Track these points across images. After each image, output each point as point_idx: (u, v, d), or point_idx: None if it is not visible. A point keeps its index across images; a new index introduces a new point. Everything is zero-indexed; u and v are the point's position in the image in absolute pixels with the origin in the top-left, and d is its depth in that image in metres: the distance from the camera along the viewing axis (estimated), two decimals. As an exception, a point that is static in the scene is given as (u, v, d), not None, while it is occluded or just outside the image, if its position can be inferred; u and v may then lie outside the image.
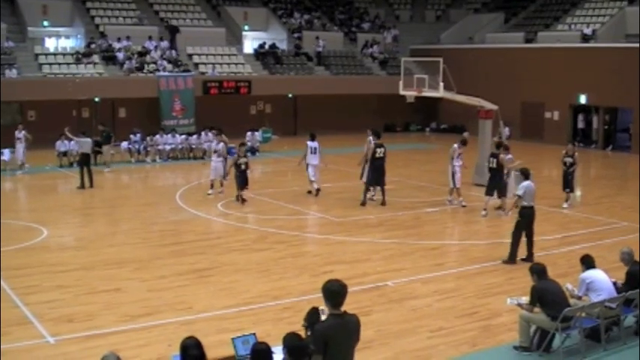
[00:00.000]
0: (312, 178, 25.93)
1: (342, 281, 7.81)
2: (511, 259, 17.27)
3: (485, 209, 22.86)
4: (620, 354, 11.91)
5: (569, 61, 41.22)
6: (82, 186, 27.52)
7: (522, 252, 17.37)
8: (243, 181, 24.68)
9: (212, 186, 26.11)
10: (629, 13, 43.03)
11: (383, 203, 24.23)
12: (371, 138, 24.69)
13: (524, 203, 17.25)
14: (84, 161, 27.96)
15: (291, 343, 7.90)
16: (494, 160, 22.82)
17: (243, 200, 24.58)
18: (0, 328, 12.58)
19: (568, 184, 24.09)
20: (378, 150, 24.18)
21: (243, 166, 24.52)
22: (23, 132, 31.73)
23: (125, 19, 45.89)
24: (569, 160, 23.97)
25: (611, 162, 37.88)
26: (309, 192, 26.01)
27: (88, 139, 28.74)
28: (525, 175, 17.74)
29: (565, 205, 23.86)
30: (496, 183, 22.83)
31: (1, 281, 15.55)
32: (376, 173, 24.14)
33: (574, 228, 20.96)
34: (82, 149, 28.38)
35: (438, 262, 17.61)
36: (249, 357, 8.96)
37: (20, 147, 31.57)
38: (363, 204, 24.19)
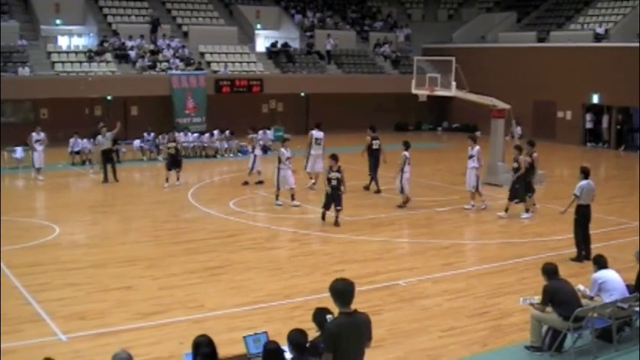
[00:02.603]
0: (259, 169, 27.68)
1: (348, 279, 7.81)
2: (578, 257, 17.38)
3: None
4: (632, 354, 11.86)
5: (581, 61, 41.08)
6: (106, 180, 28.32)
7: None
8: (336, 200, 21.08)
9: (292, 196, 23.87)
10: (641, 12, 42.90)
11: (366, 187, 26.48)
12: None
13: (581, 202, 17.47)
14: (106, 157, 28.61)
15: (295, 339, 8.19)
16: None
17: (324, 218, 21.45)
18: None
19: (513, 192, 22.63)
20: (374, 142, 26.51)
21: (334, 182, 21.05)
22: (42, 133, 29.72)
23: (137, 17, 45.97)
24: (514, 165, 22.74)
25: (624, 162, 37.71)
26: (246, 183, 27.61)
27: (108, 134, 28.97)
28: (585, 174, 17.68)
29: (524, 216, 22.55)
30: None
31: (0, 278, 15.69)
32: (375, 161, 26.27)
33: (586, 228, 20.88)
34: (104, 146, 28.68)
35: (449, 261, 17.59)
36: (261, 355, 9.02)
37: (41, 150, 29.30)
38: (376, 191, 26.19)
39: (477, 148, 23.64)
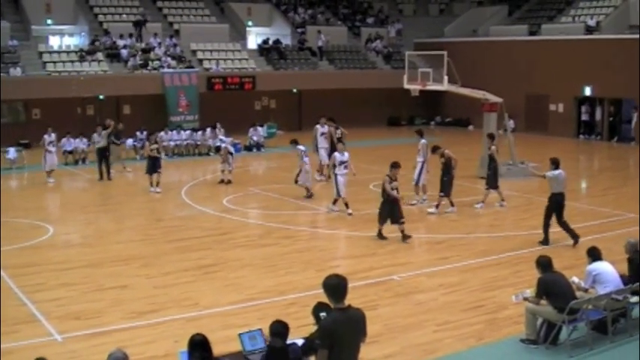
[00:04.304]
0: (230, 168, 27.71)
1: (341, 275, 7.81)
2: (544, 241, 18.18)
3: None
4: (627, 346, 11.90)
5: (573, 53, 41.12)
6: (101, 178, 28.59)
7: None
8: (397, 212, 18.83)
9: (346, 204, 22.25)
10: (632, 4, 42.83)
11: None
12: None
13: (554, 190, 18.11)
14: (102, 155, 28.86)
15: (275, 329, 8.57)
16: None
17: (382, 236, 18.92)
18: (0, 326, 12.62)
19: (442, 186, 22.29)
20: (338, 131, 28.14)
21: (395, 192, 18.94)
22: (54, 135, 29.17)
23: (129, 16, 45.87)
24: (442, 160, 22.42)
25: (616, 153, 37.79)
26: (223, 181, 27.46)
27: (103, 132, 29.24)
28: (555, 164, 18.21)
29: (448, 210, 22.42)
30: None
31: (0, 279, 15.67)
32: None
33: (580, 220, 20.89)
34: (99, 144, 28.93)
35: (443, 255, 17.60)
36: (257, 352, 9.06)
37: (54, 151, 28.74)
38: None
39: (421, 142, 23.69)
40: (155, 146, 26.78)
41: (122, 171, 30.60)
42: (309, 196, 24.40)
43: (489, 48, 46.06)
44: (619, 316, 12.40)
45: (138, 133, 35.21)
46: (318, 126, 27.86)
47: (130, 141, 35.24)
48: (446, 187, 22.17)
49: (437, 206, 22.33)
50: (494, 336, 12.46)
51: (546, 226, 18.28)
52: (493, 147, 23.02)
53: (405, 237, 18.71)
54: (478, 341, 12.23)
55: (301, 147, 24.50)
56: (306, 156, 24.29)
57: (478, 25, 50.58)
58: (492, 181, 22.96)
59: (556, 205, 18.18)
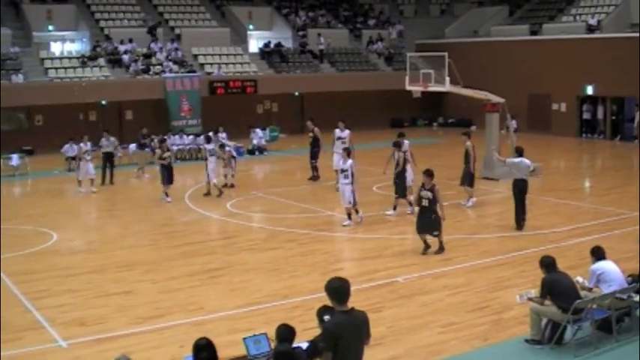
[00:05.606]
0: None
1: (343, 277, 7.83)
2: (518, 226, 19.93)
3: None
4: (632, 345, 11.87)
5: (574, 53, 41.11)
6: (103, 182, 28.87)
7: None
8: (429, 225, 17.67)
9: (350, 216, 21.15)
10: (633, 2, 42.83)
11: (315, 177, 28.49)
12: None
13: (517, 176, 19.81)
14: (107, 159, 29.21)
15: (283, 333, 8.59)
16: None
17: (427, 246, 17.83)
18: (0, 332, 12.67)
19: (395, 188, 22.32)
20: (315, 130, 28.69)
21: (424, 202, 17.53)
22: (90, 143, 28.09)
23: (130, 21, 45.94)
24: (393, 160, 22.58)
25: (619, 152, 37.75)
26: (226, 185, 27.30)
27: (111, 139, 29.60)
28: (519, 152, 20.06)
29: (389, 212, 22.22)
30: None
31: (0, 285, 15.70)
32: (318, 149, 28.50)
33: (583, 219, 20.92)
34: (105, 149, 29.17)
35: (447, 256, 17.57)
36: (262, 356, 9.07)
37: (89, 159, 27.68)
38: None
39: (405, 142, 23.61)
40: (168, 154, 26.09)
41: (131, 176, 30.68)
42: (209, 193, 25.69)
43: (491, 48, 46.05)
44: (623, 315, 12.40)
45: (140, 139, 35.16)
46: (337, 130, 26.85)
47: (132, 146, 35.23)
48: (400, 189, 22.16)
49: (394, 208, 22.19)
50: (499, 336, 12.45)
51: (517, 212, 19.88)
52: (468, 143, 22.97)
53: (441, 248, 17.81)
54: (483, 342, 12.22)
55: (209, 146, 26.03)
56: (211, 155, 25.62)
57: (479, 25, 50.58)
58: (467, 178, 23.19)
59: (517, 190, 19.70)
